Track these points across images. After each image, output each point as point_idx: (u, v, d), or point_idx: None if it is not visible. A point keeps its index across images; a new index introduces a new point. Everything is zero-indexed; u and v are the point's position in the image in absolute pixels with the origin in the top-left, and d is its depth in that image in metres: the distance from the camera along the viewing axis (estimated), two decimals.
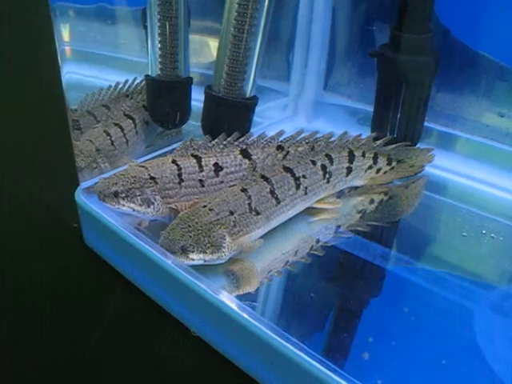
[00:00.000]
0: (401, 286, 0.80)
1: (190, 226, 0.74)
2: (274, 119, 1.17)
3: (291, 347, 0.63)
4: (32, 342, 0.74)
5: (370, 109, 1.10)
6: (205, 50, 1.19)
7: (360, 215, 0.93)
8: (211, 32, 1.13)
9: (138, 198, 0.79)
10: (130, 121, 0.99)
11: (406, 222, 0.94)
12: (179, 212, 0.79)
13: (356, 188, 0.98)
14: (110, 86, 1.04)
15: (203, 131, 0.93)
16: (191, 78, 0.96)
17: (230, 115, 0.89)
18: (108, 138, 0.95)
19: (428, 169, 1.03)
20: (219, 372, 0.71)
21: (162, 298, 0.79)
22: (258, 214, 0.79)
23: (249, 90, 0.90)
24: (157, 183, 0.80)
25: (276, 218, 0.82)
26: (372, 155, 0.96)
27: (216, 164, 0.84)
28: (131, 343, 0.75)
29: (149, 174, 0.81)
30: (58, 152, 1.12)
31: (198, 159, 0.83)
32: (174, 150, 0.85)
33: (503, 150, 1.03)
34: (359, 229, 0.88)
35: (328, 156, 0.90)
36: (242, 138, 0.87)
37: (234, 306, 0.69)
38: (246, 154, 0.86)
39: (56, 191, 1.04)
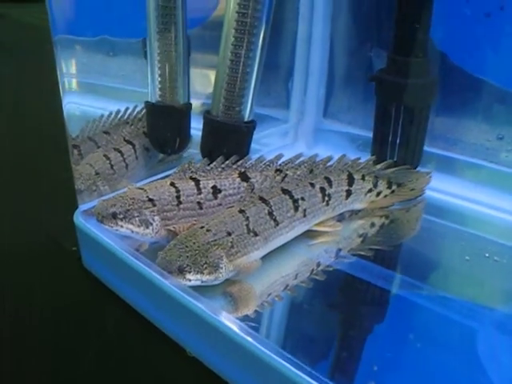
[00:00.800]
0: (404, 310, 0.78)
1: (187, 247, 0.72)
2: (274, 146, 1.16)
3: (294, 369, 0.60)
4: (31, 365, 0.73)
5: (370, 135, 1.09)
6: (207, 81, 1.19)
7: (361, 239, 0.91)
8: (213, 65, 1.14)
9: (137, 219, 0.78)
10: (130, 146, 0.98)
11: (408, 245, 0.92)
12: (177, 234, 0.77)
13: (357, 211, 0.96)
14: (111, 113, 1.04)
15: (202, 155, 0.92)
16: (190, 104, 0.95)
17: (228, 139, 0.88)
18: (108, 161, 0.94)
19: (429, 192, 1.01)
20: None
21: (159, 318, 0.77)
22: (256, 235, 0.77)
23: (247, 114, 0.89)
24: (155, 205, 0.79)
25: (275, 239, 0.80)
26: (372, 179, 0.94)
27: (214, 187, 0.82)
28: (128, 364, 0.73)
29: (147, 196, 0.79)
30: (57, 176, 1.10)
31: (197, 182, 0.82)
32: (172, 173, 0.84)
33: (503, 172, 1.01)
34: (361, 252, 0.86)
35: (327, 179, 0.88)
36: (240, 161, 0.86)
37: (232, 326, 0.66)
38: (244, 177, 0.85)
39: (55, 214, 1.03)
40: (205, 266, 0.71)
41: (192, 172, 0.83)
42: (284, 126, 1.18)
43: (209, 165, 0.84)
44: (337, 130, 1.17)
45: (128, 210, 0.78)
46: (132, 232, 0.79)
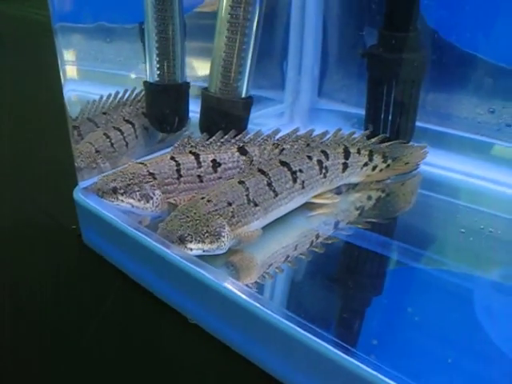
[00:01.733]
0: (403, 278, 0.78)
1: (188, 217, 0.71)
2: (270, 126, 1.15)
3: (300, 330, 0.60)
4: (33, 339, 0.72)
5: (364, 112, 1.09)
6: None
7: (358, 211, 0.90)
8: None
9: (137, 193, 0.77)
10: (130, 125, 0.97)
11: (404, 218, 0.92)
12: (176, 206, 0.77)
13: (353, 185, 0.96)
14: (110, 95, 1.03)
15: (200, 131, 0.91)
16: (188, 83, 0.94)
17: (226, 114, 0.87)
18: (108, 140, 0.93)
19: (423, 167, 1.00)
20: (219, 358, 0.68)
21: (161, 288, 0.76)
22: (256, 205, 0.76)
23: (244, 90, 0.88)
24: (155, 178, 0.78)
25: (274, 210, 0.80)
26: (367, 152, 0.94)
27: (214, 160, 0.82)
28: (132, 334, 0.72)
29: (147, 170, 0.79)
30: (57, 155, 1.10)
31: (196, 156, 0.81)
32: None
33: (495, 145, 1.01)
34: (358, 225, 0.86)
35: (324, 152, 0.88)
36: (238, 136, 0.85)
37: (235, 290, 0.66)
38: (243, 151, 0.84)
39: (55, 193, 1.03)
40: (206, 234, 0.70)
41: (191, 146, 0.82)
42: (279, 107, 1.18)
43: (208, 139, 0.83)
44: (331, 108, 1.16)
45: (128, 185, 0.77)
46: (133, 206, 0.78)
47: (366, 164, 0.94)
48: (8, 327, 0.73)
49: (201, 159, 0.81)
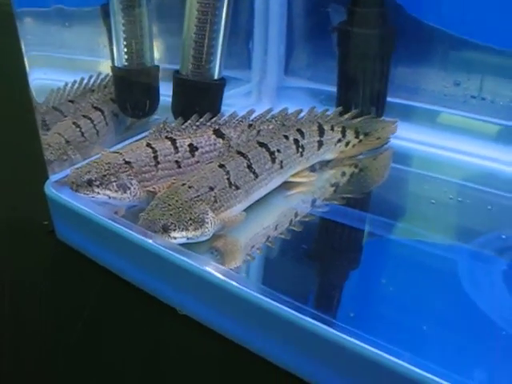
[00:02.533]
0: (379, 249, 0.78)
1: (169, 205, 0.67)
2: (238, 106, 1.11)
3: (286, 308, 0.58)
4: (11, 346, 0.67)
5: (331, 89, 1.06)
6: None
7: (333, 188, 0.89)
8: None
9: (114, 184, 0.72)
10: (99, 112, 0.92)
11: (377, 192, 0.91)
12: (155, 193, 0.73)
13: (327, 162, 0.93)
14: (75, 82, 0.97)
15: (174, 116, 0.87)
16: (158, 66, 0.90)
17: (199, 97, 0.84)
18: (78, 129, 0.88)
19: (393, 140, 0.99)
20: (212, 347, 0.65)
21: (145, 280, 0.72)
22: (237, 188, 0.73)
23: (216, 72, 0.84)
24: (132, 167, 0.74)
25: (255, 192, 0.77)
26: (340, 129, 0.92)
27: (191, 145, 0.78)
28: (120, 330, 0.68)
29: (123, 159, 0.74)
30: (25, 147, 1.03)
31: (173, 141, 0.77)
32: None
33: (461, 116, 1.00)
34: (334, 202, 0.84)
35: (299, 131, 0.85)
36: (213, 119, 0.81)
37: (223, 276, 0.63)
38: (219, 133, 0.81)
39: (24, 187, 0.96)
40: (190, 222, 0.67)
41: (167, 132, 0.78)
42: (247, 86, 1.14)
43: (183, 124, 0.79)
44: (298, 86, 1.13)
45: (104, 176, 0.72)
46: (109, 198, 0.73)
47: (339, 140, 0.92)
48: None
49: (177, 144, 0.77)
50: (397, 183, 0.93)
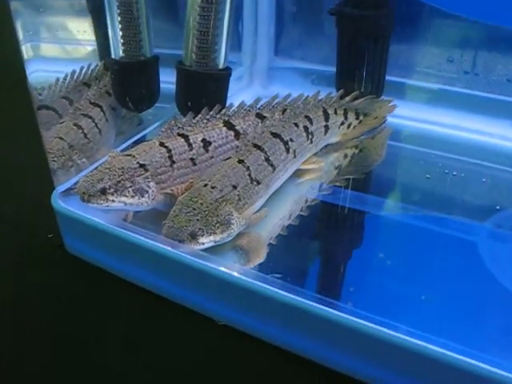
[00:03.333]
0: (381, 226, 0.77)
1: (194, 209, 0.63)
2: (231, 90, 1.07)
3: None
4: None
5: (323, 68, 1.05)
6: None
7: (337, 171, 0.87)
8: None
9: (130, 189, 0.66)
10: (98, 109, 0.85)
11: (376, 172, 0.89)
12: (175, 196, 0.68)
13: (330, 145, 0.91)
14: (67, 75, 0.90)
15: (179, 108, 0.82)
16: (157, 56, 0.84)
17: (205, 88, 0.79)
18: (80, 131, 0.80)
19: (389, 119, 0.97)
20: (261, 358, 0.61)
21: (176, 292, 0.67)
22: (258, 183, 0.70)
23: (222, 61, 0.79)
24: (147, 170, 0.68)
25: (273, 184, 0.74)
26: (342, 112, 0.89)
27: (204, 140, 0.74)
28: (158, 346, 0.62)
29: (137, 162, 0.68)
30: (26, 157, 0.92)
31: (186, 138, 0.72)
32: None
33: (455, 92, 0.98)
34: (339, 184, 0.82)
35: (307, 117, 0.82)
36: (223, 110, 0.77)
37: (262, 283, 0.60)
38: (229, 125, 0.77)
39: (28, 202, 0.85)
40: (217, 225, 0.63)
41: (178, 128, 0.73)
42: (239, 70, 1.08)
43: (194, 118, 0.74)
44: (290, 66, 1.09)
45: (119, 182, 0.66)
46: (125, 205, 0.67)
47: (342, 123, 0.89)
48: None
49: (191, 140, 0.72)
50: (393, 161, 0.92)
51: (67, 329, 0.65)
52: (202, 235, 0.62)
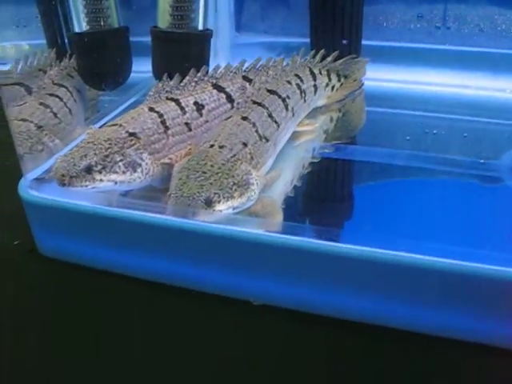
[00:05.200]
0: (374, 174, 0.70)
1: (205, 172, 0.51)
2: None
3: None
4: None
5: (288, 40, 0.96)
6: None
7: (325, 135, 0.78)
8: None
9: (120, 164, 0.53)
10: (64, 89, 0.72)
11: (359, 136, 0.80)
12: (172, 166, 0.56)
13: (317, 108, 0.82)
14: (18, 61, 0.76)
15: (155, 76, 0.70)
16: (127, 27, 0.71)
17: (188, 51, 0.67)
18: (48, 110, 0.67)
19: (366, 82, 0.89)
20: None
21: (195, 274, 0.52)
22: (267, 140, 0.59)
23: (201, 21, 0.68)
24: (139, 138, 0.55)
25: (279, 143, 0.64)
26: (326, 72, 0.80)
27: (196, 103, 0.62)
28: (191, 342, 0.48)
29: (126, 131, 0.55)
30: None
31: (177, 101, 0.61)
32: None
33: (426, 49, 0.92)
34: (326, 150, 0.73)
35: (297, 76, 0.72)
36: (210, 72, 0.66)
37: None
38: (219, 88, 0.66)
39: None
40: (234, 187, 0.51)
41: (167, 92, 0.61)
42: None
43: (181, 81, 0.63)
44: (253, 41, 0.99)
45: (106, 156, 0.52)
46: (116, 183, 0.53)
47: (327, 85, 0.80)
48: None
49: (182, 104, 0.61)
50: (373, 125, 0.83)
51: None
52: (219, 201, 0.49)
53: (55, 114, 0.66)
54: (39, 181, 0.57)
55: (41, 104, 0.67)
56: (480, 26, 0.88)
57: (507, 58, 0.88)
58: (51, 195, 0.55)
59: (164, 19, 0.67)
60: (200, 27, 0.68)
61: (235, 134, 0.56)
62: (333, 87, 0.82)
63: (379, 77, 0.91)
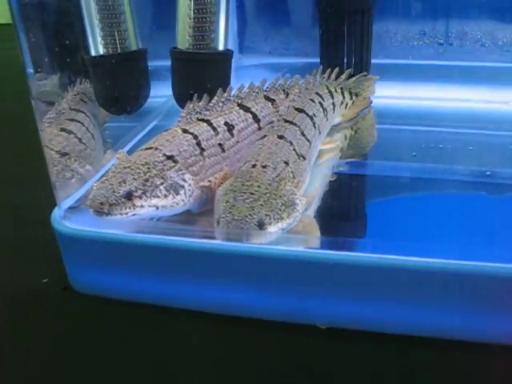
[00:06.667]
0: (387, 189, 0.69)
1: (253, 194, 0.48)
2: None
3: None
4: None
5: (293, 60, 0.95)
6: None
7: (341, 154, 0.75)
8: None
9: (161, 187, 0.50)
10: (82, 114, 0.69)
11: (370, 153, 0.79)
12: (212, 189, 0.54)
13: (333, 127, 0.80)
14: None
15: (177, 99, 0.67)
16: (145, 49, 0.69)
17: (211, 72, 0.65)
18: (72, 135, 0.63)
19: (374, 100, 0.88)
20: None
21: (259, 302, 0.48)
22: (304, 158, 0.57)
23: (222, 41, 0.66)
24: (176, 161, 0.53)
25: (311, 161, 0.62)
26: (340, 90, 0.78)
27: (227, 123, 0.60)
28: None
29: (163, 154, 0.53)
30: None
31: (208, 122, 0.58)
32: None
33: (428, 65, 0.92)
34: (341, 169, 0.71)
35: (318, 94, 0.71)
36: (235, 92, 0.64)
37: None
38: (245, 108, 0.64)
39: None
40: (282, 208, 0.48)
41: (197, 113, 0.59)
42: None
43: (210, 101, 0.60)
44: (257, 63, 0.97)
45: (146, 180, 0.49)
46: (157, 209, 0.50)
47: (342, 102, 0.79)
48: None
49: (214, 125, 0.58)
50: (385, 142, 0.82)
51: None
52: (270, 223, 0.47)
53: (80, 140, 0.63)
54: (73, 210, 0.54)
55: (62, 130, 0.63)
56: (482, 40, 0.88)
57: (509, 71, 0.88)
58: (83, 225, 0.51)
59: (184, 40, 0.64)
60: (221, 47, 0.66)
61: (275, 152, 0.54)
62: (346, 105, 0.81)
63: (385, 94, 0.90)
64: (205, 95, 0.60)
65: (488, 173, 0.69)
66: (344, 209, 0.65)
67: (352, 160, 0.73)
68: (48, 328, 0.50)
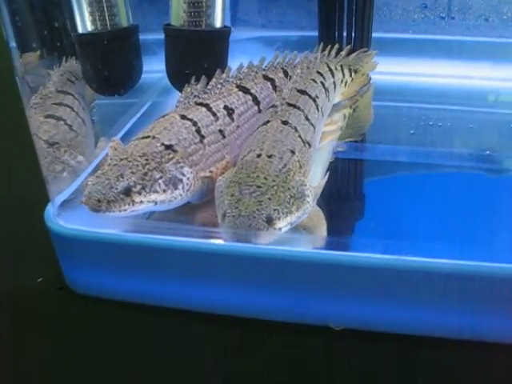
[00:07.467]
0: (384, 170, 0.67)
1: (259, 186, 0.45)
2: None
3: None
4: None
5: (288, 34, 0.90)
6: None
7: (340, 132, 0.72)
8: None
9: (160, 181, 0.46)
10: (70, 96, 0.64)
11: (369, 132, 0.76)
12: (213, 179, 0.50)
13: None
14: None
15: (171, 79, 0.63)
16: (137, 26, 0.64)
17: (208, 50, 0.61)
18: (61, 122, 0.58)
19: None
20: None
21: (267, 304, 0.46)
22: (310, 145, 0.54)
23: (219, 17, 0.62)
24: (176, 151, 0.49)
25: (315, 146, 0.58)
26: (340, 68, 0.75)
27: (226, 107, 0.56)
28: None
29: (162, 144, 0.49)
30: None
31: (207, 107, 0.55)
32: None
33: (432, 40, 0.88)
34: (340, 149, 0.68)
35: (319, 72, 0.67)
36: (234, 72, 0.60)
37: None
38: (244, 89, 0.60)
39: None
40: (291, 200, 0.45)
41: (195, 96, 0.55)
42: None
43: (208, 83, 0.56)
44: (250, 36, 0.92)
45: (145, 174, 0.46)
46: (156, 203, 0.47)
47: (342, 80, 0.75)
48: None
49: (213, 109, 0.55)
50: (382, 120, 0.79)
51: None
52: (279, 218, 0.44)
53: (70, 126, 0.58)
54: (67, 205, 0.50)
55: (49, 116, 0.58)
56: (485, 15, 0.85)
57: None
58: (78, 222, 0.47)
59: (178, 17, 0.60)
60: (217, 24, 0.62)
61: (280, 140, 0.50)
62: (346, 83, 0.77)
63: (383, 70, 0.86)
64: (202, 77, 0.56)
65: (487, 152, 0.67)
66: (346, 194, 0.63)
67: (352, 142, 0.70)
68: (43, 328, 0.47)
